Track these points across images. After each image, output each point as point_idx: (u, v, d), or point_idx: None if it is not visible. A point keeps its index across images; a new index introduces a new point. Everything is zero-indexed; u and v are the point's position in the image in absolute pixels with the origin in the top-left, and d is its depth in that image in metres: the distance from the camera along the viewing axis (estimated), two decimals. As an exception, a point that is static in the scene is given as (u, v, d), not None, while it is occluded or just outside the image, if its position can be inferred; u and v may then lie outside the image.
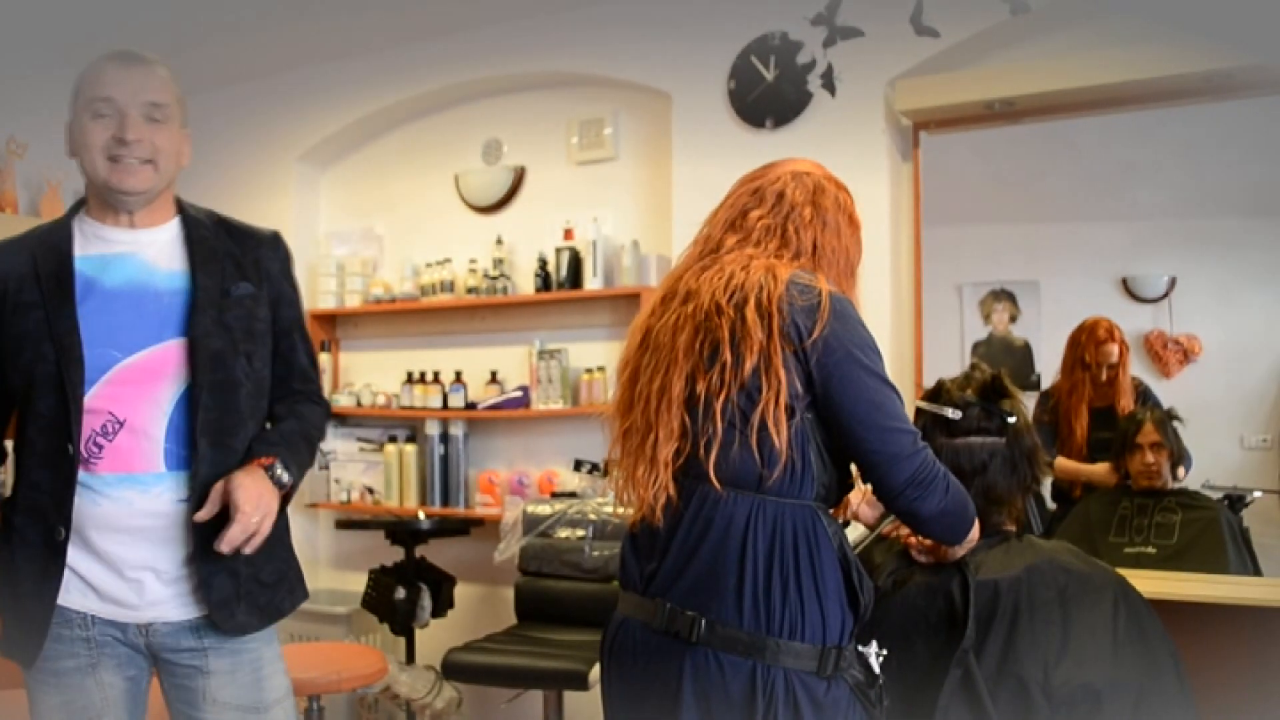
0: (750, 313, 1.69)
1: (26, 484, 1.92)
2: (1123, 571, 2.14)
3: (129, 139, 1.91)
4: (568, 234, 4.56)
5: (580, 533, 4.05)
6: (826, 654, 1.68)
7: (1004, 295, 4.00)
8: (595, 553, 3.99)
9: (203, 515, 1.88)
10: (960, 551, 2.01)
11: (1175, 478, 3.42)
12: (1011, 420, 2.09)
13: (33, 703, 1.94)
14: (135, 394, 1.91)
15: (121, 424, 1.90)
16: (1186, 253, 3.76)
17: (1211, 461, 3.50)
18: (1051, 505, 3.68)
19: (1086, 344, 3.65)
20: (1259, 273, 3.61)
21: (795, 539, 1.68)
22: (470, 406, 4.67)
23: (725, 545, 1.69)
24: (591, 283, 4.43)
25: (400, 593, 4.18)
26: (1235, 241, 3.69)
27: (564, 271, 4.49)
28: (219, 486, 1.89)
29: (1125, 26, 3.48)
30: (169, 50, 5.17)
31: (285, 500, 2.00)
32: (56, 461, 1.88)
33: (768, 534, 1.68)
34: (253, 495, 1.87)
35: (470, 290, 4.70)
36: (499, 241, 4.71)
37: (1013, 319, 3.99)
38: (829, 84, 3.92)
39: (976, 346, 4.01)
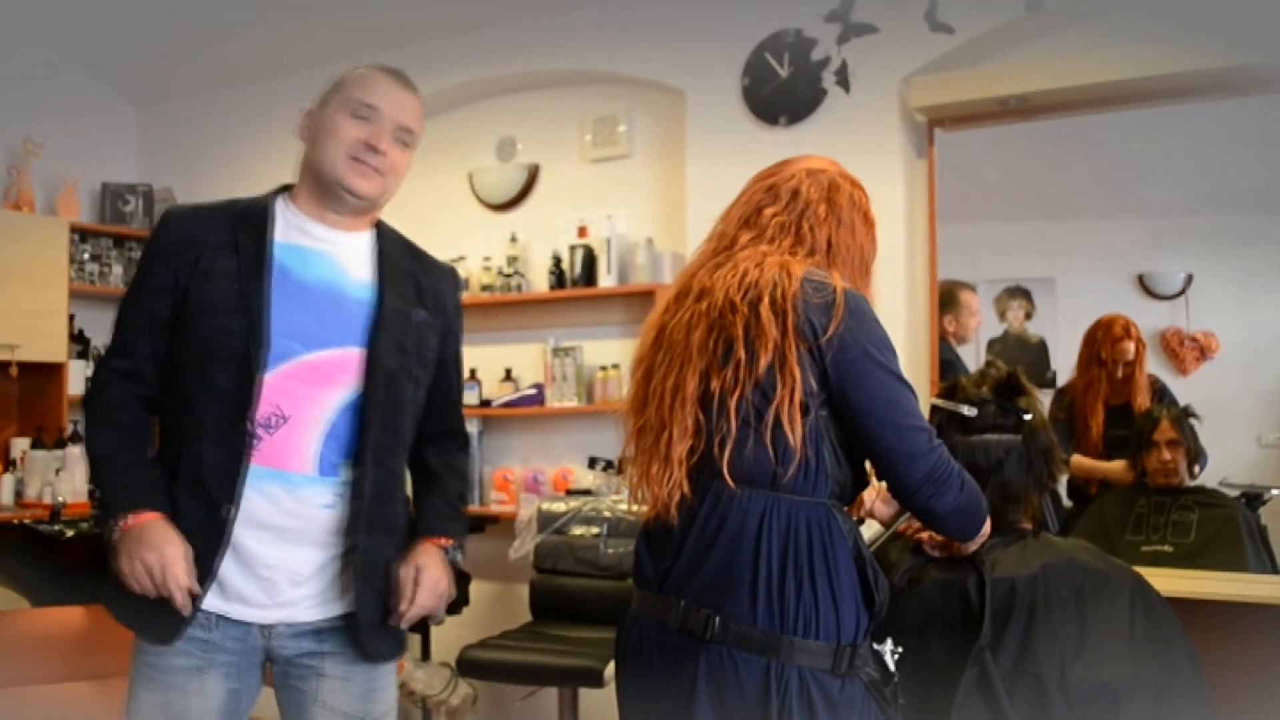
0: (765, 310, 1.69)
1: (188, 456, 1.87)
2: (1140, 570, 2.13)
3: (381, 148, 1.94)
4: (582, 231, 4.57)
5: (595, 530, 4.05)
6: (841, 652, 1.67)
7: (1019, 292, 3.99)
8: (610, 550, 4.00)
9: (404, 609, 1.93)
10: (972, 547, 2.01)
11: (1192, 475, 3.41)
12: (1027, 417, 2.09)
13: (132, 696, 1.91)
14: (305, 392, 1.90)
15: (285, 420, 1.88)
16: (1203, 249, 3.74)
17: (1228, 459, 3.49)
18: (1067, 503, 3.67)
19: (1103, 341, 3.64)
20: (1277, 269, 3.59)
21: (810, 537, 1.68)
22: (485, 404, 4.68)
23: (739, 543, 1.69)
24: (606, 280, 4.43)
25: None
26: (1252, 238, 3.68)
27: (578, 269, 4.49)
28: (408, 574, 1.93)
29: (1140, 23, 3.47)
30: (179, 50, 5.19)
31: None
32: (227, 438, 1.85)
33: (782, 532, 1.68)
34: (440, 589, 1.97)
35: (484, 288, 4.70)
36: (513, 239, 4.72)
37: (1028, 316, 3.99)
38: (843, 81, 3.91)
39: (992, 344, 4.00)
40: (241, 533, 1.87)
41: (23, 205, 5.13)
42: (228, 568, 1.87)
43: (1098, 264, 3.92)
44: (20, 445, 5.11)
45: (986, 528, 1.91)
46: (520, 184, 4.79)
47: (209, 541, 1.84)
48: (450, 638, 4.26)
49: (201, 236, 1.92)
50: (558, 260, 4.56)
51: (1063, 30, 3.65)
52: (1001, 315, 4.01)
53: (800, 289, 1.70)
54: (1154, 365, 3.67)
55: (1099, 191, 3.94)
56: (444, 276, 2.16)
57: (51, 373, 5.05)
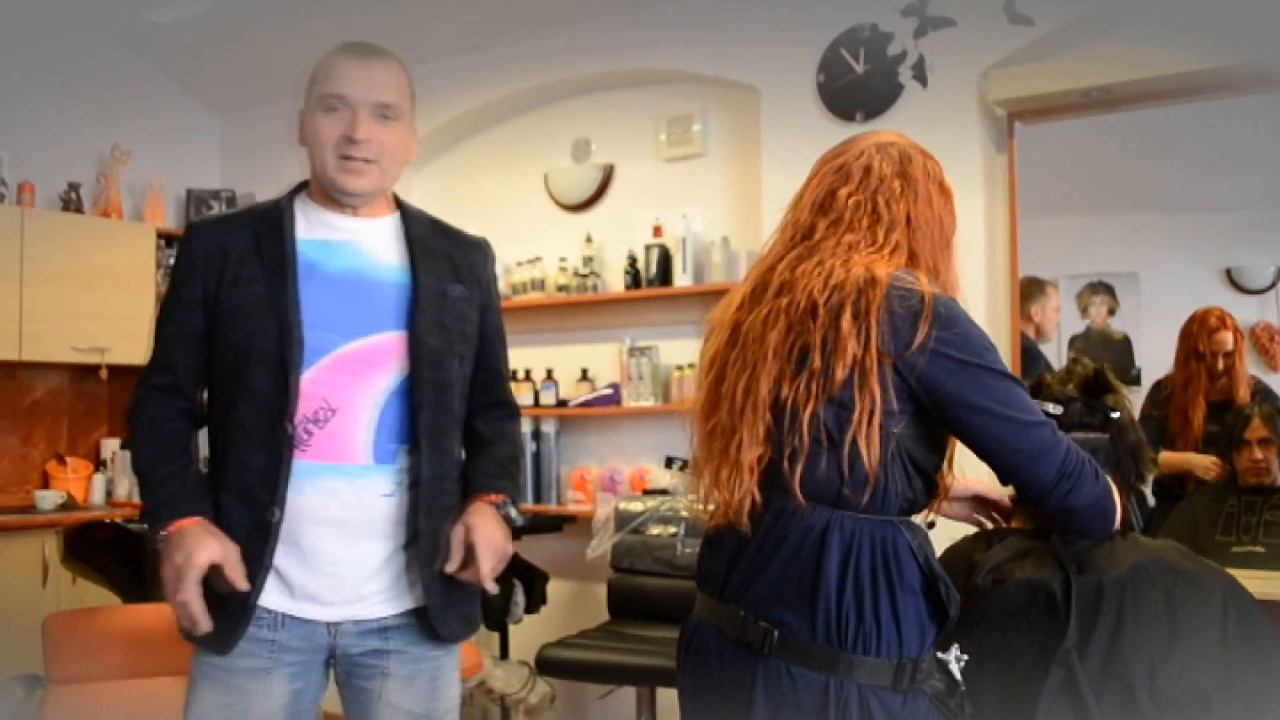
0: (845, 322, 1.61)
1: (234, 464, 1.87)
2: (1231, 571, 2.08)
3: (358, 137, 1.90)
4: (657, 231, 4.57)
5: (672, 529, 4.05)
6: (903, 668, 1.62)
7: (1102, 288, 3.92)
8: (687, 549, 3.99)
9: (452, 568, 1.90)
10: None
11: (1285, 474, 3.32)
12: (1115, 415, 2.04)
13: (193, 696, 1.90)
14: (351, 382, 1.89)
15: (334, 412, 1.88)
16: (1293, 241, 3.65)
17: (1322, 457, 3.39)
18: (1151, 501, 3.59)
19: (1199, 334, 3.55)
20: (1371, 261, 3.50)
21: (873, 556, 1.62)
22: (561, 404, 4.70)
23: (800, 557, 1.64)
24: (681, 279, 4.43)
25: (493, 588, 4.21)
26: (1346, 229, 3.58)
27: (653, 269, 4.49)
28: (459, 533, 1.90)
29: (1224, 10, 3.39)
30: (259, 58, 5.29)
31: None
32: (269, 441, 1.84)
33: (843, 549, 1.62)
34: (496, 545, 1.91)
35: (560, 288, 4.73)
36: (588, 239, 4.74)
37: (1111, 312, 3.91)
38: (920, 75, 3.87)
39: (1074, 341, 3.94)
40: (302, 531, 1.86)
41: (111, 212, 5.26)
42: (292, 567, 1.87)
43: (1183, 258, 3.83)
44: (110, 446, 5.24)
45: (1118, 517, 1.84)
46: (595, 184, 4.81)
47: (256, 546, 1.84)
48: (528, 636, 4.29)
49: (225, 245, 1.92)
50: (633, 260, 4.56)
51: (1143, 21, 3.58)
52: (1084, 311, 3.94)
53: (885, 299, 1.61)
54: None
55: (1184, 183, 3.86)
56: (476, 249, 2.11)
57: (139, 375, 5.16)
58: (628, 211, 4.73)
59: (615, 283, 4.68)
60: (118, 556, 3.50)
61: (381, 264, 1.98)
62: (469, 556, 1.91)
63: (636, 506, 4.17)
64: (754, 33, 4.26)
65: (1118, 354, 3.84)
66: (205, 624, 1.77)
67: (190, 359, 1.93)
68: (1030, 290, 3.80)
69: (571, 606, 4.70)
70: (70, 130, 5.34)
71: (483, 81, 4.99)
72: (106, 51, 5.47)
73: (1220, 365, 3.52)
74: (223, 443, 1.91)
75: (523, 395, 4.76)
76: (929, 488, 1.72)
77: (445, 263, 2.02)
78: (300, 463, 1.86)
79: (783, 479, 1.65)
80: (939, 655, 1.69)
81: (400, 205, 2.07)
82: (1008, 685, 1.92)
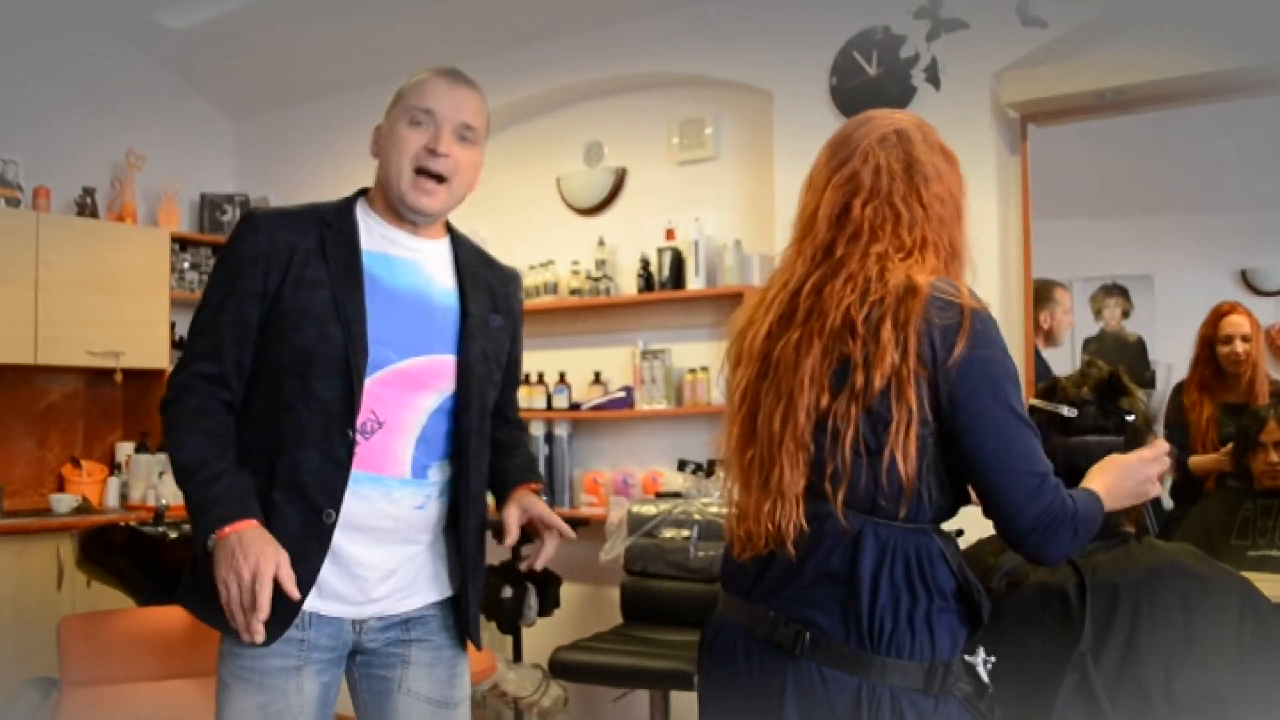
0: (886, 332, 1.60)
1: (286, 463, 1.87)
2: (1246, 575, 2.07)
3: (440, 150, 1.95)
4: (669, 234, 4.57)
5: (685, 533, 4.05)
6: (935, 670, 1.62)
7: (1116, 290, 3.91)
8: (701, 553, 3.99)
9: (511, 540, 2.02)
10: None
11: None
12: (1130, 419, 2.04)
13: (226, 700, 1.91)
14: (400, 398, 1.94)
15: (381, 424, 1.92)
16: (1310, 243, 3.64)
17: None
18: (1169, 504, 3.58)
19: (1210, 320, 3.53)
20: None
21: (908, 562, 1.62)
22: (574, 407, 4.70)
23: (832, 562, 1.64)
24: (694, 283, 4.43)
25: (507, 592, 4.22)
26: (1362, 230, 3.57)
27: (666, 272, 4.49)
28: (515, 513, 2.06)
29: (1239, 10, 3.37)
30: (273, 64, 5.31)
31: None
32: (329, 445, 1.87)
33: (878, 555, 1.62)
34: (555, 519, 2.07)
35: (573, 291, 4.73)
36: (601, 243, 4.74)
37: (1125, 314, 3.90)
38: (933, 78, 3.86)
39: (1088, 343, 3.92)
40: (338, 535, 1.90)
41: (126, 216, 5.28)
42: (325, 568, 1.90)
43: (1198, 260, 3.82)
44: (125, 449, 5.26)
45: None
46: (608, 188, 4.81)
47: (310, 546, 1.87)
48: (542, 639, 4.29)
49: (291, 243, 1.92)
50: (646, 263, 4.57)
51: (1157, 22, 3.57)
52: (1098, 314, 3.93)
53: (925, 309, 1.60)
54: (1259, 363, 3.57)
55: (1198, 185, 3.84)
56: (510, 281, 2.19)
57: (154, 379, 5.18)
58: (640, 215, 4.73)
59: (628, 286, 4.68)
60: (132, 559, 3.51)
61: (437, 287, 2.03)
62: (524, 536, 2.08)
63: (650, 510, 4.17)
64: (766, 36, 4.26)
65: (1132, 357, 3.82)
66: (263, 635, 1.78)
67: (240, 350, 1.91)
68: (1039, 295, 3.78)
69: (584, 610, 4.70)
70: (85, 135, 5.37)
71: (495, 86, 4.96)
72: (121, 57, 5.49)
73: (1233, 355, 3.49)
74: (273, 442, 1.89)
75: (536, 398, 4.77)
76: (960, 495, 1.72)
77: (487, 292, 2.08)
78: (350, 472, 1.90)
79: (821, 493, 1.65)
80: (966, 659, 1.69)
81: (450, 230, 2.12)
82: (1022, 688, 1.92)
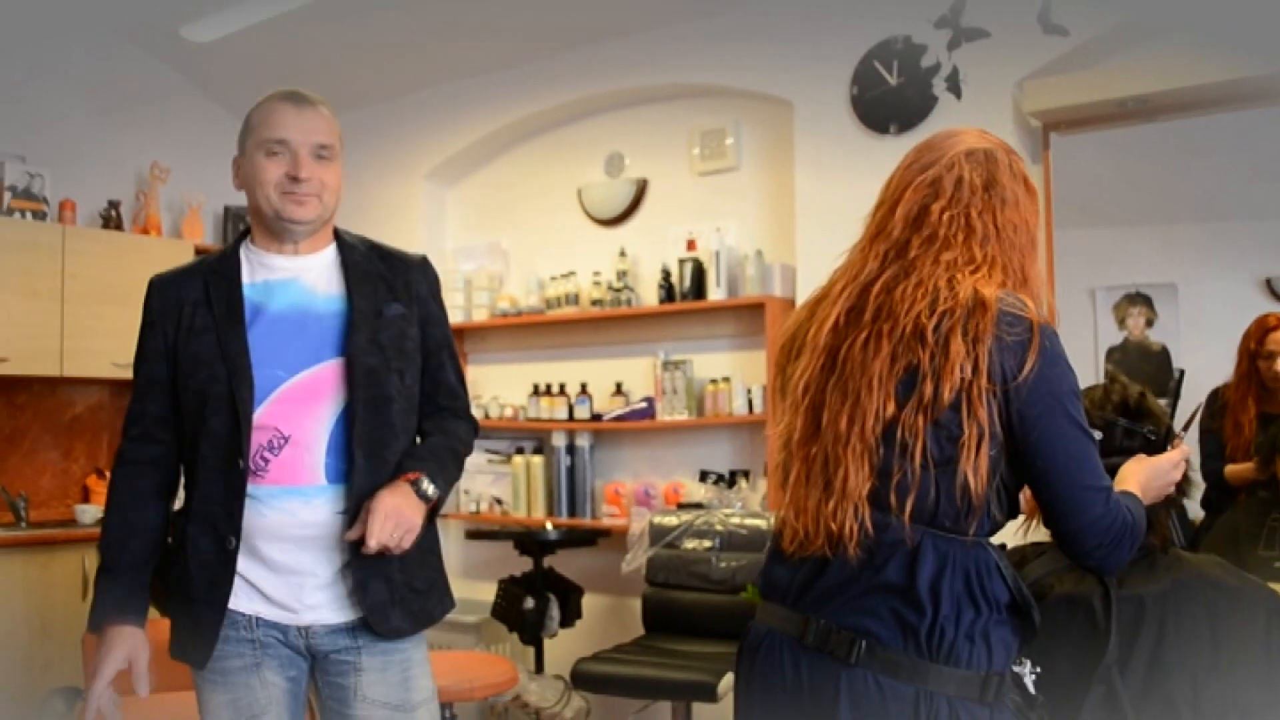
0: (956, 346, 1.60)
1: (199, 496, 2.03)
2: (1274, 586, 2.06)
3: (301, 176, 2.04)
4: (690, 245, 4.57)
5: (707, 544, 4.04)
6: (990, 680, 1.62)
7: (1140, 299, 3.89)
8: (723, 564, 3.98)
9: (353, 535, 1.99)
10: None
11: (1329, 487, 3.27)
12: (1153, 439, 2.03)
13: (201, 701, 2.06)
14: (300, 411, 2.02)
15: (287, 439, 2.01)
16: (1335, 251, 3.61)
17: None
18: (1199, 513, 3.55)
19: (1253, 333, 3.50)
20: None
21: (966, 573, 1.62)
22: (596, 418, 4.71)
23: (890, 572, 1.63)
24: (715, 293, 4.43)
25: (529, 603, 4.22)
26: (1389, 238, 3.54)
27: (687, 282, 4.50)
28: (366, 505, 2.00)
29: (1261, 18, 3.36)
30: (296, 78, 5.34)
31: (433, 512, 2.10)
32: (227, 475, 2.00)
33: (936, 566, 1.62)
34: (388, 508, 1.97)
35: (595, 302, 4.74)
36: (622, 253, 4.74)
37: (1149, 323, 3.88)
38: (954, 87, 3.86)
39: (1111, 353, 3.90)
40: (267, 547, 2.01)
41: (150, 229, 5.31)
42: (261, 578, 2.02)
43: (1223, 268, 3.80)
44: (149, 461, 5.28)
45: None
46: (629, 199, 4.82)
47: (221, 571, 2.01)
48: (563, 650, 4.29)
49: (180, 298, 2.09)
50: (667, 274, 4.57)
51: (1180, 30, 3.55)
52: (1121, 323, 3.91)
53: (995, 325, 1.60)
54: (1285, 373, 3.53)
55: (1222, 193, 3.82)
56: (413, 267, 2.21)
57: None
58: (661, 225, 4.73)
59: (649, 296, 4.68)
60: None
61: (320, 296, 2.10)
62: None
63: (671, 521, 4.17)
64: (787, 46, 4.27)
65: (1156, 366, 3.80)
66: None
67: (159, 406, 2.10)
68: None
69: (606, 621, 4.69)
70: (111, 149, 5.40)
71: (516, 97, 5.01)
72: (146, 71, 5.53)
73: (1272, 372, 3.46)
74: (192, 476, 2.07)
75: (557, 409, 4.77)
76: (1013, 509, 1.73)
77: (381, 284, 2.14)
78: (261, 488, 2.00)
79: (884, 502, 1.64)
80: (1014, 669, 1.69)
81: (338, 236, 2.19)
82: (1049, 700, 1.91)
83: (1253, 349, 3.50)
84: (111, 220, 5.20)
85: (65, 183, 5.11)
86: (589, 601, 4.50)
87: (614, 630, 4.54)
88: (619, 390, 4.72)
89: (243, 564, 2.01)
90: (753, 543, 3.94)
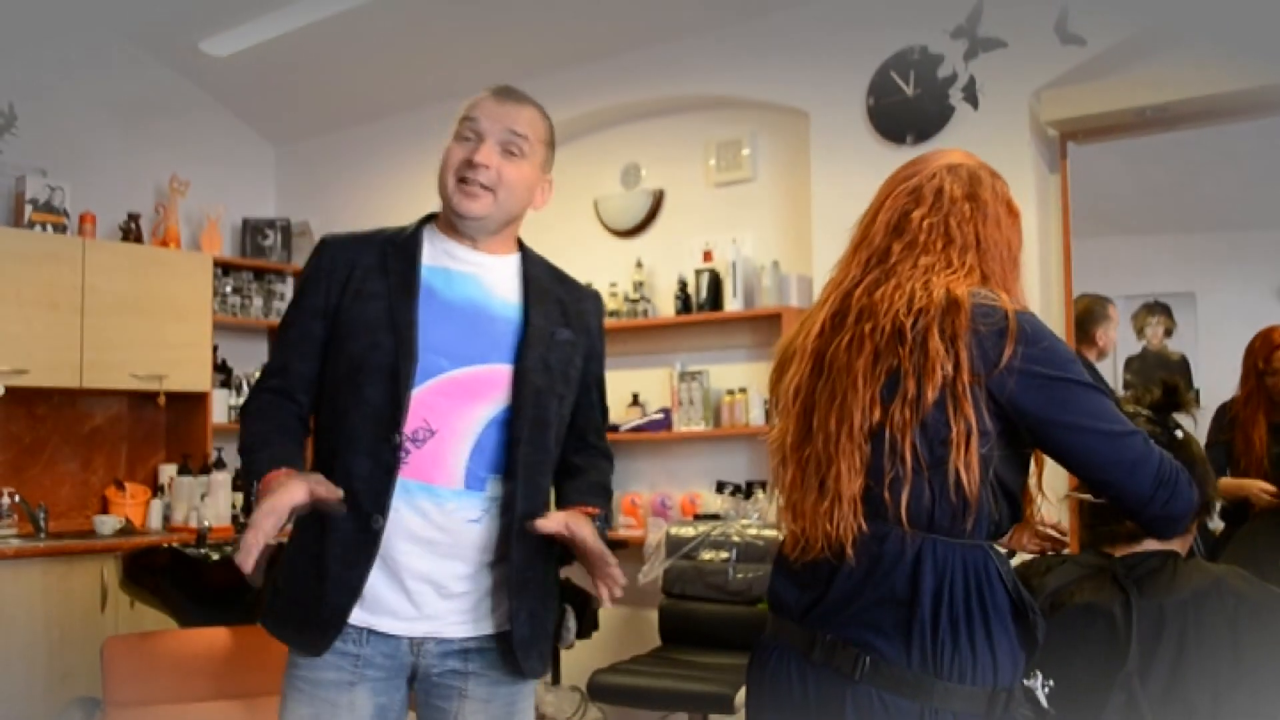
0: (933, 344, 1.60)
1: (341, 471, 1.90)
2: (1296, 596, 2.04)
3: (477, 161, 1.97)
4: (707, 256, 4.58)
5: (724, 555, 4.04)
6: (996, 696, 1.60)
7: (1158, 308, 3.88)
8: (740, 575, 3.98)
9: (543, 527, 1.91)
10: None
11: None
12: (1179, 434, 2.02)
13: (283, 707, 1.96)
14: (453, 407, 1.94)
15: (433, 433, 1.92)
16: (1356, 260, 3.59)
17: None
18: (1219, 524, 3.53)
19: (1260, 350, 3.48)
20: None
21: (967, 582, 1.61)
22: (612, 429, 4.70)
23: (891, 584, 1.63)
24: (732, 304, 4.43)
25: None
26: None
27: (704, 293, 4.50)
28: (560, 517, 1.94)
29: (1278, 28, 3.35)
30: (313, 90, 5.37)
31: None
32: (376, 451, 1.89)
33: (937, 574, 1.61)
34: (593, 543, 1.94)
35: (611, 313, 4.74)
36: (639, 264, 4.75)
37: (1168, 332, 3.87)
38: (971, 97, 3.85)
39: (1130, 362, 3.89)
40: (391, 544, 1.90)
41: (169, 241, 5.34)
42: (376, 580, 1.90)
43: (1240, 277, 3.79)
44: (168, 472, 5.31)
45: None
46: (645, 210, 4.82)
47: (360, 552, 1.89)
48: (580, 662, 4.29)
49: (353, 260, 2.00)
50: (683, 285, 4.57)
51: (1197, 39, 3.54)
52: (1139, 332, 3.90)
53: (970, 320, 1.61)
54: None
55: (1242, 202, 3.81)
56: (587, 299, 2.19)
57: (196, 402, 5.24)
58: (678, 236, 4.74)
59: (666, 307, 4.69)
60: (175, 581, 3.54)
61: (497, 299, 2.03)
62: (566, 555, 2.02)
63: (688, 531, 4.16)
64: (803, 57, 4.27)
65: (1175, 375, 3.78)
66: (249, 565, 1.74)
67: (306, 364, 1.99)
68: (1095, 312, 3.73)
69: (623, 632, 4.69)
70: (130, 162, 5.44)
71: (533, 109, 5.02)
72: (166, 85, 5.57)
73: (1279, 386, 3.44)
74: (330, 449, 1.95)
75: (574, 420, 4.77)
76: (1014, 510, 1.71)
77: (557, 307, 2.08)
78: (397, 479, 1.90)
79: (881, 507, 1.64)
80: (1025, 683, 1.67)
81: (523, 248, 2.14)
82: (1068, 709, 1.90)
83: (1260, 367, 3.48)
84: (131, 233, 5.23)
85: (85, 196, 5.14)
86: (605, 613, 4.49)
87: (631, 641, 4.54)
88: (635, 401, 4.72)
89: None
90: (770, 554, 3.93)
